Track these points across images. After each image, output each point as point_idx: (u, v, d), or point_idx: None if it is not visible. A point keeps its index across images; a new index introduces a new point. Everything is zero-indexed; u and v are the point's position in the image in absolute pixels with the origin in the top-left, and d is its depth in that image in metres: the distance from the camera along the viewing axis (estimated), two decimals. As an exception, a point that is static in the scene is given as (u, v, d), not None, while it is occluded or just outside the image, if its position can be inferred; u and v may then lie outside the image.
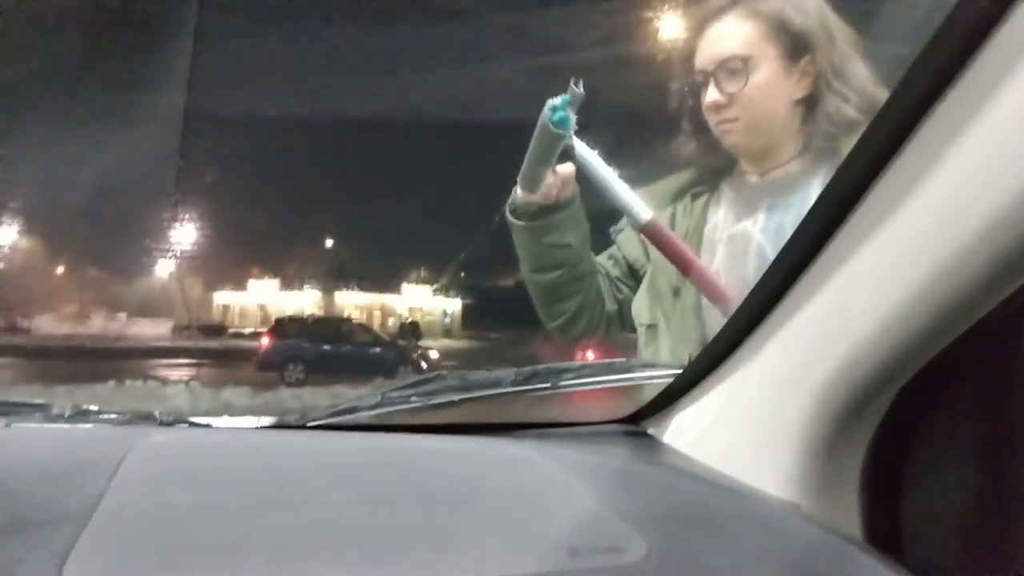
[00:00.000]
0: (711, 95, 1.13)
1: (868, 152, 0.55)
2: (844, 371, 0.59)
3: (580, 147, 1.09)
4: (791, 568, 0.53)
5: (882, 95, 1.03)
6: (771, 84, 1.12)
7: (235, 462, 0.69)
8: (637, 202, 1.10)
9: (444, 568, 0.50)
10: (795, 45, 1.11)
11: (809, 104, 1.12)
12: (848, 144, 0.71)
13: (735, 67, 1.11)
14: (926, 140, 0.51)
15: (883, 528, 0.61)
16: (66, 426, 0.79)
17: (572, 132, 1.06)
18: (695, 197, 1.24)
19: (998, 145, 0.47)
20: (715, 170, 1.24)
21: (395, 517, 0.58)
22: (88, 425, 0.82)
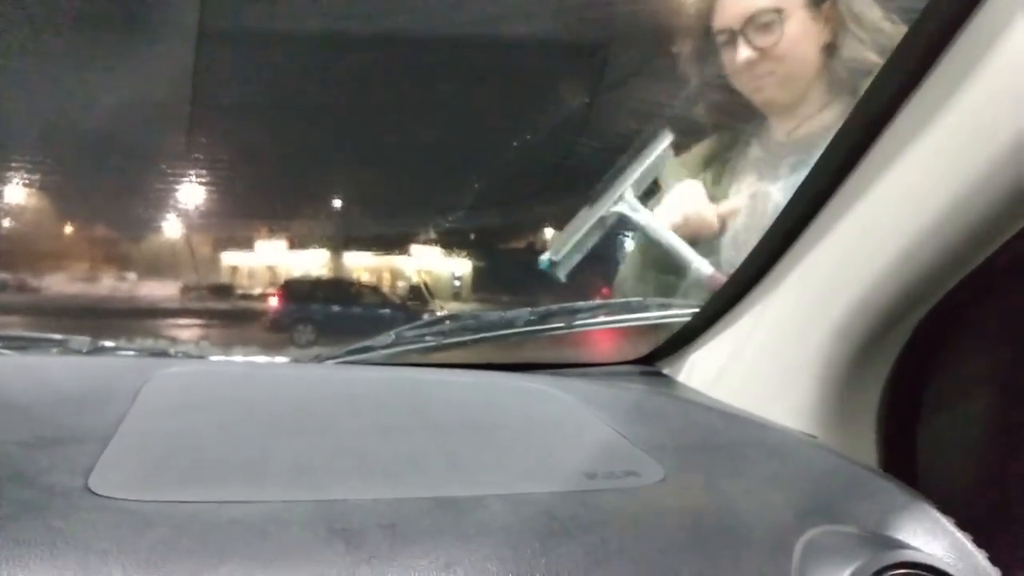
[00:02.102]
0: (743, 53, 1.11)
1: (882, 92, 0.53)
2: (860, 306, 0.58)
3: (642, 218, 1.09)
4: (806, 492, 0.53)
5: (896, 32, 1.02)
6: (801, 33, 1.11)
7: (252, 391, 0.69)
8: (695, 256, 1.09)
9: (458, 487, 0.51)
10: None
11: (831, 50, 1.12)
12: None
13: (768, 20, 1.10)
14: (939, 78, 0.50)
15: (899, 459, 0.62)
16: (84, 358, 0.80)
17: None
18: (724, 163, 1.23)
19: (1015, 73, 0.46)
20: (743, 131, 1.22)
21: (409, 443, 0.59)
22: (105, 357, 0.83)
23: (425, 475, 0.53)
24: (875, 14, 1.08)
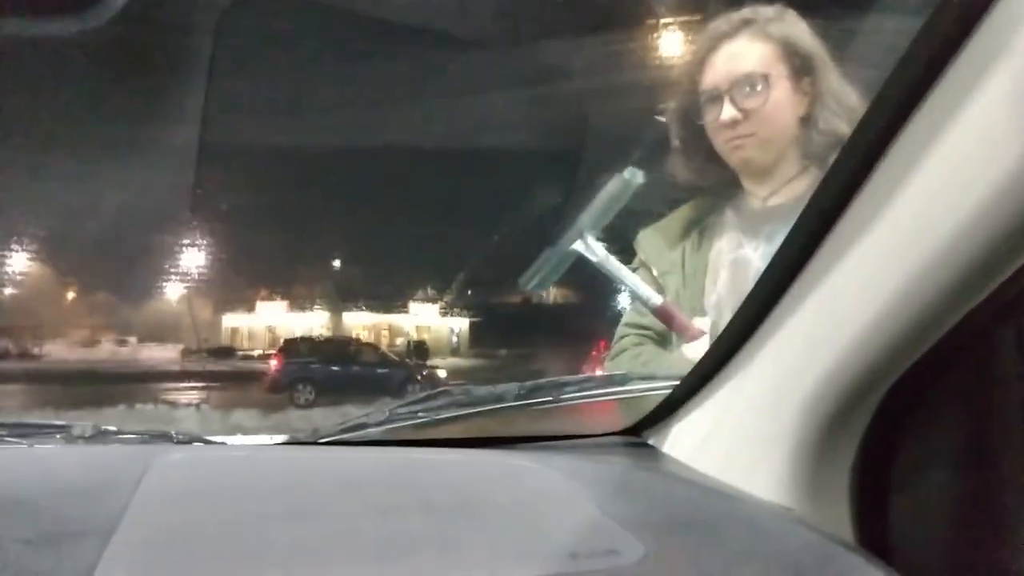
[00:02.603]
0: (727, 112, 1.17)
1: (844, 171, 0.58)
2: (830, 379, 0.61)
3: (594, 253, 1.15)
4: (782, 569, 0.56)
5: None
6: (783, 101, 1.17)
7: (250, 477, 0.72)
8: (647, 289, 1.17)
9: (449, 572, 0.53)
10: (801, 66, 1.17)
11: (808, 123, 1.18)
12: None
13: (755, 83, 1.16)
14: (896, 159, 0.54)
15: (873, 529, 0.64)
16: (86, 446, 0.82)
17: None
18: (702, 232, 1.27)
19: (960, 162, 0.50)
20: (720, 197, 1.27)
21: (403, 526, 0.61)
22: (107, 445, 0.85)
23: (416, 558, 0.56)
24: (850, 94, 1.15)
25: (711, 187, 1.27)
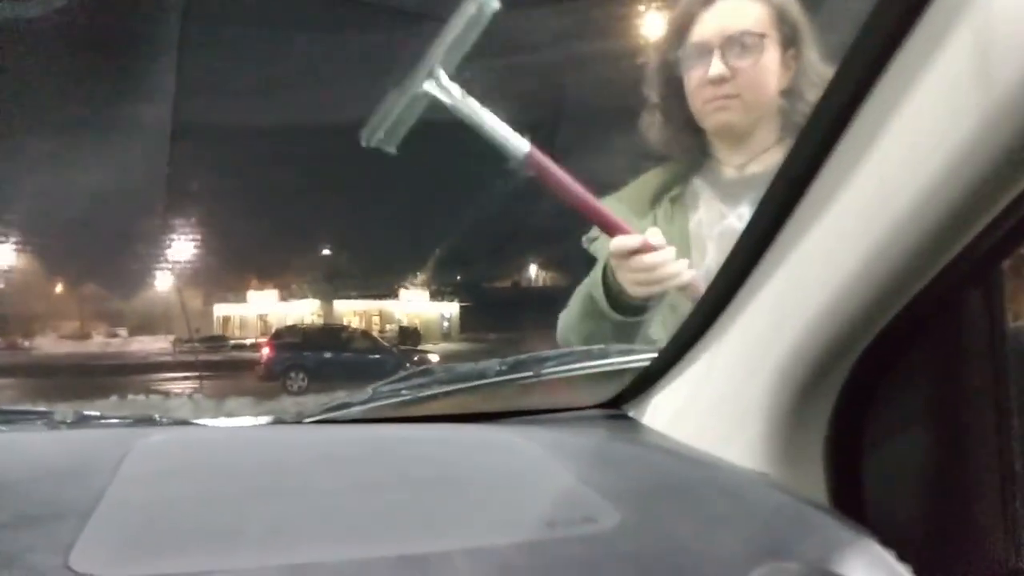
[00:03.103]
0: (716, 68, 1.13)
1: (810, 140, 0.58)
2: (801, 346, 0.62)
3: (448, 95, 1.02)
4: (757, 532, 0.56)
5: None
6: (770, 67, 1.15)
7: (232, 456, 0.72)
8: (512, 134, 1.04)
9: (426, 543, 0.54)
10: (790, 35, 1.16)
11: (788, 95, 1.17)
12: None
13: (747, 43, 1.13)
14: (860, 128, 0.55)
15: (847, 492, 0.65)
16: (68, 431, 0.82)
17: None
18: (673, 201, 1.24)
19: (922, 126, 0.50)
20: (688, 165, 1.24)
21: (383, 500, 0.62)
22: (89, 430, 0.85)
23: (395, 532, 0.56)
24: (828, 72, 1.14)
25: (682, 152, 1.24)
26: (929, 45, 0.49)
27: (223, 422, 0.95)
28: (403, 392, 0.92)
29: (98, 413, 0.92)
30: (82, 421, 0.88)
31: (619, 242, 1.08)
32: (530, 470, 0.68)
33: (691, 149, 1.24)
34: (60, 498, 0.59)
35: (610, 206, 1.22)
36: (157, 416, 0.93)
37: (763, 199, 0.64)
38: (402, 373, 0.95)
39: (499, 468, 0.69)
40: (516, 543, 0.53)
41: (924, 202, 0.51)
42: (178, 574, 0.48)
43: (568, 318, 1.25)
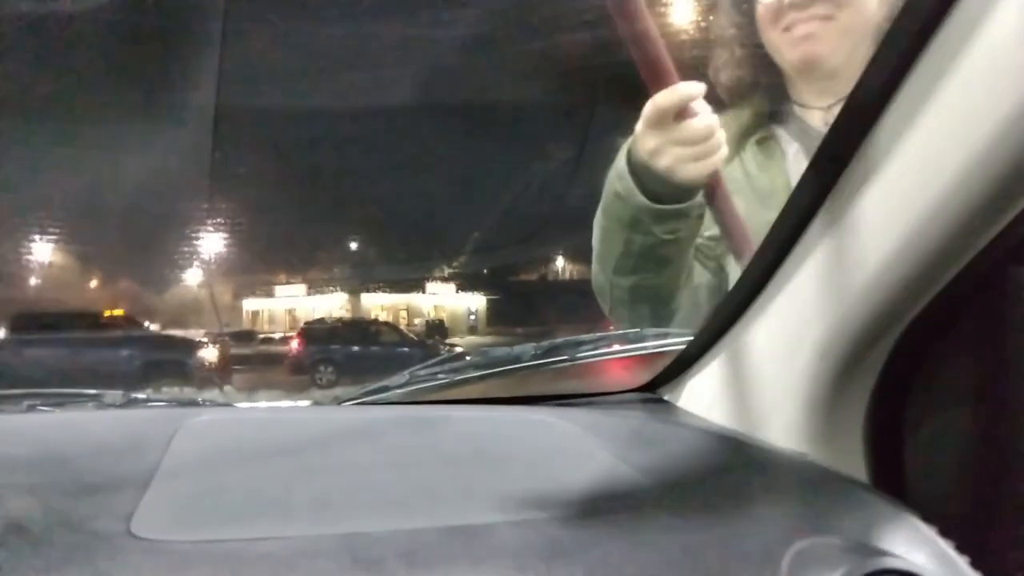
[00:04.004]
0: None
1: (854, 114, 0.58)
2: (841, 326, 0.62)
3: None
4: (798, 508, 0.57)
5: None
6: None
7: (276, 435, 0.74)
8: None
9: (470, 516, 0.55)
10: None
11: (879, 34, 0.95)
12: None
13: None
14: (906, 96, 0.54)
15: (887, 473, 0.64)
16: (118, 411, 0.85)
17: None
18: (761, 144, 1.06)
19: (969, 97, 0.50)
20: (768, 109, 1.07)
21: (425, 476, 0.63)
22: (138, 410, 0.88)
23: (439, 506, 0.57)
24: None
25: (759, 96, 1.06)
26: (975, 15, 0.49)
27: (265, 405, 0.97)
28: (439, 376, 0.94)
29: (144, 396, 0.95)
30: (130, 403, 0.91)
31: (663, 99, 0.85)
32: (569, 449, 0.69)
33: (769, 92, 1.06)
34: (117, 471, 0.62)
35: None
36: (200, 399, 0.95)
37: (803, 176, 0.64)
38: (438, 357, 0.96)
39: (538, 447, 0.70)
40: (560, 517, 0.54)
41: (968, 177, 0.51)
42: (234, 539, 0.49)
43: (597, 234, 1.04)
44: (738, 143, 1.06)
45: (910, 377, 0.64)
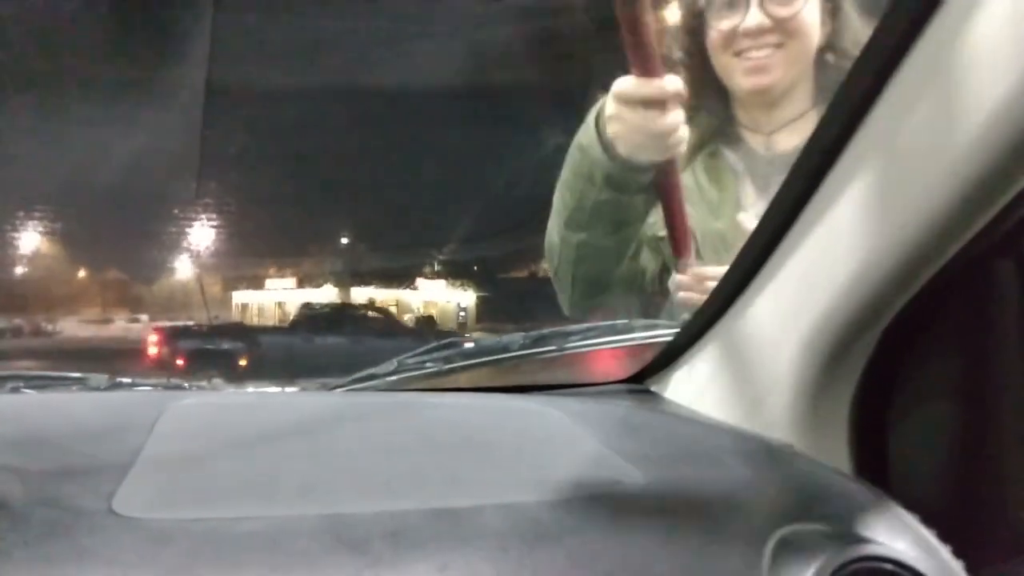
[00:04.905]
0: (753, 18, 1.00)
1: (841, 110, 0.58)
2: (826, 318, 0.62)
3: None
4: (778, 494, 0.57)
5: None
6: (811, 20, 1.03)
7: (262, 418, 0.73)
8: None
9: (456, 499, 0.55)
10: None
11: (824, 54, 1.06)
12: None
13: None
14: (892, 94, 0.55)
15: (872, 463, 0.65)
16: (103, 394, 0.85)
17: None
18: (711, 156, 1.11)
19: (955, 92, 0.50)
20: (714, 127, 1.12)
21: (411, 460, 0.63)
22: (123, 392, 0.87)
23: (425, 489, 0.57)
24: (866, 32, 0.98)
25: (706, 119, 1.11)
26: (964, 8, 0.49)
27: (252, 390, 0.97)
28: (428, 364, 0.94)
29: (130, 380, 0.94)
30: (115, 387, 0.90)
31: (645, 89, 0.89)
32: (555, 435, 0.69)
33: (715, 115, 1.11)
34: (99, 453, 0.61)
35: None
36: (186, 384, 0.95)
37: (794, 166, 0.64)
38: (427, 346, 0.96)
39: (525, 433, 0.70)
40: (545, 501, 0.54)
41: (954, 171, 0.52)
42: (216, 518, 0.49)
43: (558, 188, 1.09)
44: (690, 155, 1.11)
45: (895, 369, 0.64)
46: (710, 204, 1.09)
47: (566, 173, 1.06)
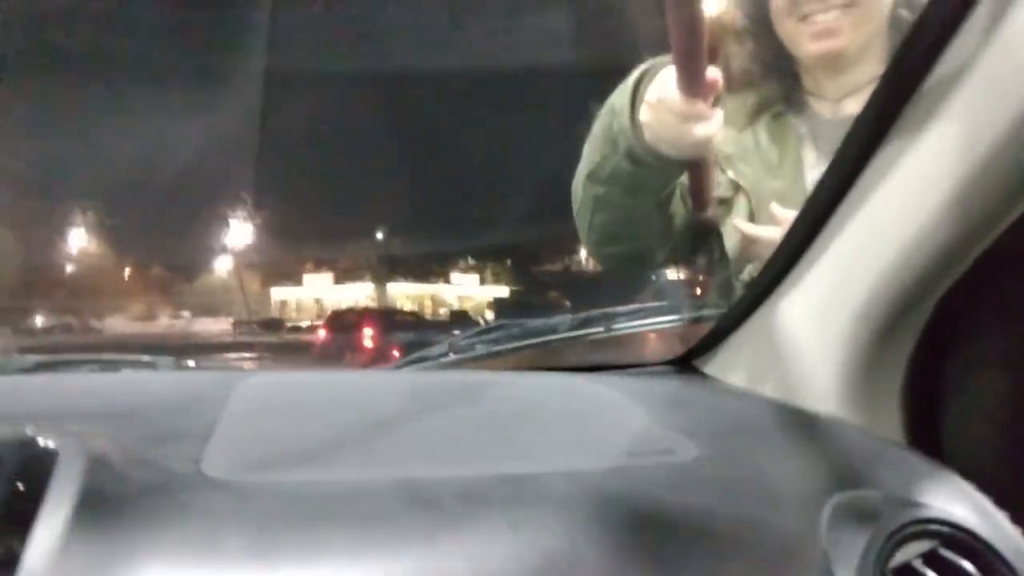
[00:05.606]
0: None
1: (894, 79, 0.59)
2: (879, 290, 0.63)
3: None
4: (833, 463, 0.58)
5: None
6: None
7: (328, 394, 0.77)
8: None
9: (519, 466, 0.57)
10: None
11: (895, 11, 1.00)
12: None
13: None
14: (944, 70, 0.55)
15: (924, 436, 0.66)
16: (173, 373, 0.89)
17: None
18: (776, 118, 1.07)
19: (1007, 64, 0.51)
20: (780, 93, 1.07)
21: (472, 431, 0.66)
22: (191, 372, 0.92)
23: (489, 456, 0.60)
24: None
25: (773, 80, 1.07)
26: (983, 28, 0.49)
27: (311, 371, 1.01)
28: (477, 346, 0.96)
29: (194, 364, 0.99)
30: (179, 369, 0.95)
31: (674, 101, 0.87)
32: (609, 410, 0.71)
33: (783, 81, 1.06)
34: (178, 425, 0.65)
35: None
36: (247, 368, 0.99)
37: (842, 145, 0.65)
38: (477, 328, 0.98)
39: (578, 407, 0.72)
40: (603, 468, 0.56)
41: (1008, 142, 0.52)
42: (296, 481, 0.52)
43: (589, 137, 1.06)
44: (754, 115, 1.07)
45: (947, 342, 0.65)
46: (768, 164, 1.05)
47: (596, 127, 1.04)
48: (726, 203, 1.07)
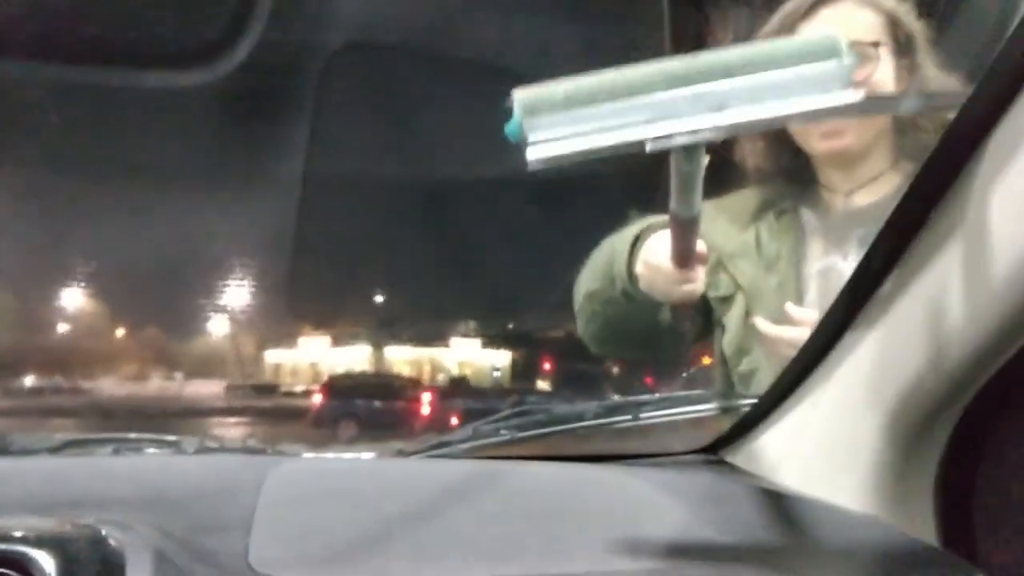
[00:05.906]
0: None
1: (930, 177, 0.59)
2: (912, 390, 0.64)
3: None
4: (866, 564, 0.59)
5: None
6: (887, 79, 1.02)
7: (359, 484, 0.77)
8: None
9: (553, 566, 0.58)
10: (906, 43, 1.04)
11: (898, 119, 1.06)
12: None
13: (865, 53, 1.00)
14: (983, 163, 0.55)
15: (957, 539, 0.66)
16: (203, 457, 0.89)
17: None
18: (780, 216, 1.12)
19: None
20: (792, 188, 1.12)
21: (506, 528, 0.66)
22: (216, 456, 0.92)
23: (523, 556, 0.60)
24: (950, 83, 1.01)
25: (785, 179, 1.13)
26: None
27: (333, 456, 1.01)
28: (502, 432, 0.97)
29: (216, 445, 0.99)
30: (206, 451, 0.95)
31: (665, 270, 0.97)
32: (640, 506, 0.72)
33: (795, 176, 1.12)
34: (218, 514, 0.65)
35: (709, 213, 1.07)
36: (267, 448, 0.99)
37: (881, 231, 0.64)
38: (502, 413, 0.99)
39: (609, 504, 0.73)
40: (644, 569, 0.57)
41: None
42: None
43: (592, 256, 1.17)
44: (757, 214, 1.14)
45: (982, 441, 0.66)
46: (767, 259, 1.11)
47: (596, 258, 1.16)
48: (727, 301, 1.13)
